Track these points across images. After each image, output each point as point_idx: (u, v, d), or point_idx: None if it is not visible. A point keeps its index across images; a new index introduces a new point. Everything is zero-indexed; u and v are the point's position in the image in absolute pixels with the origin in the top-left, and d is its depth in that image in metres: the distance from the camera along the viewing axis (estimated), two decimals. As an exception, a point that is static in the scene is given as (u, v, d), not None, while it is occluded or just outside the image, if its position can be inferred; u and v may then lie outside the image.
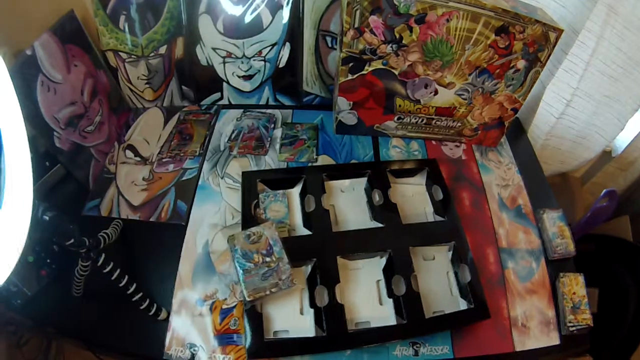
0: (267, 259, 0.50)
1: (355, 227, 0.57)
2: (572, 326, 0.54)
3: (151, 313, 0.51)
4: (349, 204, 0.61)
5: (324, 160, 0.68)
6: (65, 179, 0.63)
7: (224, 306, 0.52)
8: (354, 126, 0.70)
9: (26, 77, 0.53)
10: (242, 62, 0.72)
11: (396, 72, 0.61)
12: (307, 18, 0.68)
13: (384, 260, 0.55)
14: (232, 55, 0.71)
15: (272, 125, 0.73)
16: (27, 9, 0.59)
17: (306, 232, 0.57)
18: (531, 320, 0.54)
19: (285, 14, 0.68)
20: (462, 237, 0.56)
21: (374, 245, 0.55)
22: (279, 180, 0.63)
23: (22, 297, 0.53)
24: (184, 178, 0.66)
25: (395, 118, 0.68)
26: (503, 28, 0.54)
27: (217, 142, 0.71)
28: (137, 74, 0.72)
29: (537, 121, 0.76)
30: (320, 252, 0.53)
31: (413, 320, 0.50)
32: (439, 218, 0.60)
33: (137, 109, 0.77)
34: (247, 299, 0.48)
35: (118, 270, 0.50)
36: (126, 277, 0.51)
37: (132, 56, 0.71)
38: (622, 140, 0.83)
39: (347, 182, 0.64)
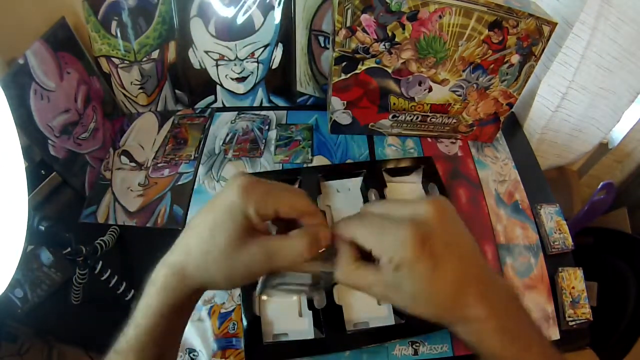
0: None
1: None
2: (571, 321, 0.54)
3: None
4: (345, 204, 0.61)
5: (319, 160, 0.68)
6: (61, 187, 0.63)
7: (222, 310, 0.52)
8: (349, 126, 0.70)
9: (19, 86, 0.53)
10: (235, 65, 0.71)
11: (390, 70, 0.60)
12: (299, 18, 0.68)
13: (381, 260, 0.54)
14: (225, 58, 0.71)
15: (267, 127, 0.73)
16: (18, 17, 0.58)
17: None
18: (530, 316, 0.54)
19: (277, 14, 0.68)
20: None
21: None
22: (275, 182, 0.63)
23: (25, 303, 0.53)
24: (179, 182, 0.65)
25: (390, 116, 0.67)
26: (496, 23, 0.54)
27: (212, 145, 0.70)
28: (130, 79, 0.72)
29: (532, 115, 0.75)
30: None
31: (412, 319, 0.49)
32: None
33: (131, 114, 0.76)
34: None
35: (115, 277, 0.50)
36: (124, 283, 0.51)
37: (125, 61, 0.70)
38: (618, 132, 0.83)
39: (343, 181, 0.63)
